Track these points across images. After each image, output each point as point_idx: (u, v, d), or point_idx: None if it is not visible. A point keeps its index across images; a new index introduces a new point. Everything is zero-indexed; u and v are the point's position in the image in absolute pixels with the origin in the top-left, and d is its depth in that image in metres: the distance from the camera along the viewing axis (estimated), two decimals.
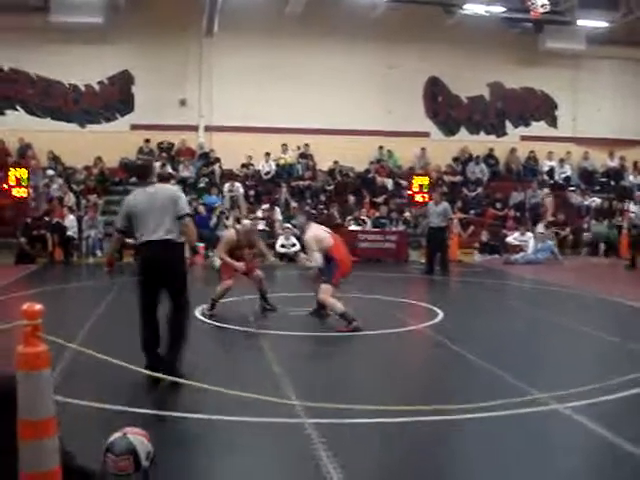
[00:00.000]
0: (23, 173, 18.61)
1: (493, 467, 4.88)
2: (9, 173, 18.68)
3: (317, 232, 9.96)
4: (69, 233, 18.09)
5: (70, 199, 19.59)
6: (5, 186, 18.60)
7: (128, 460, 3.23)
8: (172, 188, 7.23)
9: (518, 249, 19.47)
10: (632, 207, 19.89)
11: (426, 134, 24.30)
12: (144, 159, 7.27)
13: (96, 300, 11.69)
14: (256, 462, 5.00)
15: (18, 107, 22.31)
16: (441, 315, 10.59)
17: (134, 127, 22.61)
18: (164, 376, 5.50)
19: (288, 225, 19.16)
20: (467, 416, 5.63)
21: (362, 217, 20.18)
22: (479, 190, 23.01)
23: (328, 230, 10.31)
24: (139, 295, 6.83)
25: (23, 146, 21.73)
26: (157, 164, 21.29)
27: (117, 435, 3.30)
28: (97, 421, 5.52)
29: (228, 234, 11.15)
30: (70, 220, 18.37)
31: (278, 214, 20.19)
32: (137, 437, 3.31)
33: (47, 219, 18.29)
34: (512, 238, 19.83)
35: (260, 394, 4.75)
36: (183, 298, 6.88)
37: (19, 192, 18.45)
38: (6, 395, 2.97)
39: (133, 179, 21.48)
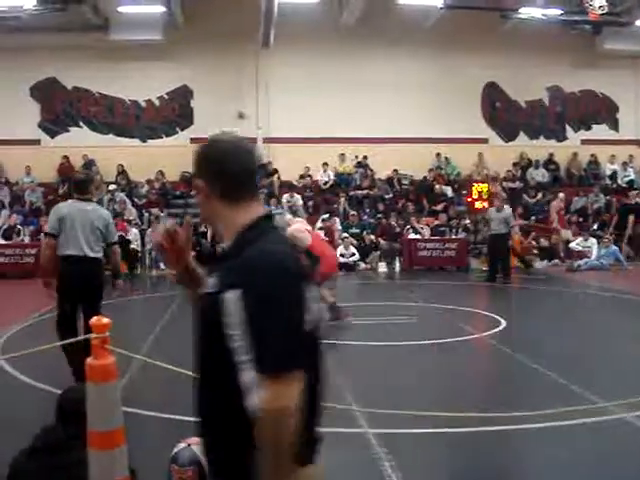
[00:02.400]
0: None
1: (556, 478, 4.81)
2: None
3: (295, 229, 10.01)
4: (132, 246, 18.43)
5: (131, 213, 19.94)
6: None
7: (192, 471, 3.27)
8: (106, 212, 7.51)
9: (581, 255, 19.11)
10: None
11: (484, 140, 24.07)
12: (85, 173, 7.38)
13: (159, 311, 11.88)
14: None
15: (82, 124, 22.87)
16: (503, 323, 10.47)
17: (194, 140, 22.89)
18: None
19: (347, 235, 19.18)
20: (531, 425, 5.56)
21: (421, 226, 20.04)
22: (539, 196, 22.67)
23: (308, 228, 10.51)
24: (61, 304, 6.93)
25: (87, 162, 22.22)
26: None
27: (181, 446, 3.34)
28: (162, 431, 5.61)
29: None
30: (133, 233, 18.72)
31: (337, 224, 20.22)
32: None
33: None
34: (575, 244, 19.50)
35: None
36: (98, 310, 6.84)
37: None
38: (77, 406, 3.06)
39: (194, 192, 22.04)
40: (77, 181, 7.37)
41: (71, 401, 3.27)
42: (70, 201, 7.18)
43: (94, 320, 2.70)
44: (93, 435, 2.74)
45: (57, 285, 6.91)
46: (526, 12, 21.16)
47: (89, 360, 2.69)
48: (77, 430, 3.08)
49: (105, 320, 2.73)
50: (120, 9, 20.40)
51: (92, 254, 6.90)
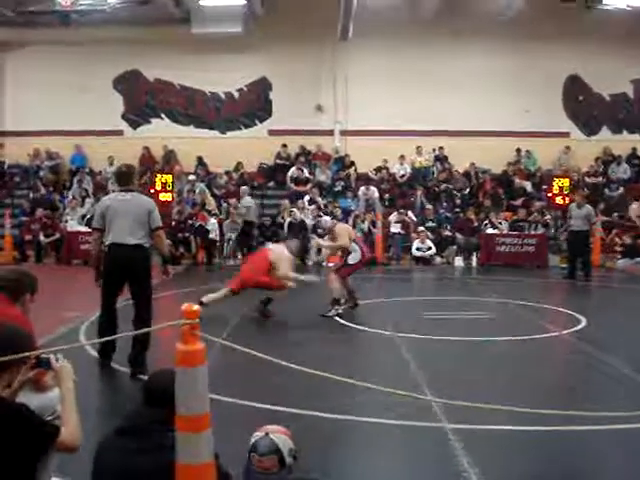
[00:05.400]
0: (168, 179, 19.40)
1: None
2: (156, 179, 19.53)
3: None
4: (211, 236, 18.71)
5: (210, 203, 20.24)
6: (152, 191, 19.44)
7: (273, 459, 3.30)
8: (147, 199, 7.66)
9: None
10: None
11: (566, 134, 23.54)
12: (127, 166, 7.92)
13: (238, 300, 12.01)
14: (396, 466, 5.02)
15: (163, 116, 23.35)
16: (584, 322, 10.26)
17: (272, 132, 23.15)
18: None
19: (423, 228, 19.06)
20: (612, 427, 5.44)
21: (499, 220, 19.72)
22: (621, 191, 22.09)
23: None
24: (104, 289, 7.36)
25: (168, 153, 22.68)
26: (293, 169, 21.84)
27: (259, 435, 3.37)
28: (241, 418, 5.69)
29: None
30: (212, 223, 19.00)
31: (413, 217, 20.13)
32: (279, 436, 3.38)
33: (190, 222, 18.97)
34: None
35: (400, 395, 4.78)
36: (147, 296, 7.37)
37: (165, 196, 19.23)
38: (163, 390, 3.13)
39: (271, 183, 22.30)
40: (119, 173, 7.78)
41: (158, 385, 3.35)
42: (113, 194, 7.61)
43: (185, 307, 2.77)
44: (181, 419, 2.81)
45: (106, 269, 7.34)
46: (610, 2, 20.60)
47: (179, 345, 2.76)
48: (163, 414, 3.15)
49: (195, 307, 2.79)
50: (202, 2, 20.68)
51: (134, 241, 7.18)
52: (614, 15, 20.93)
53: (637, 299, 13.96)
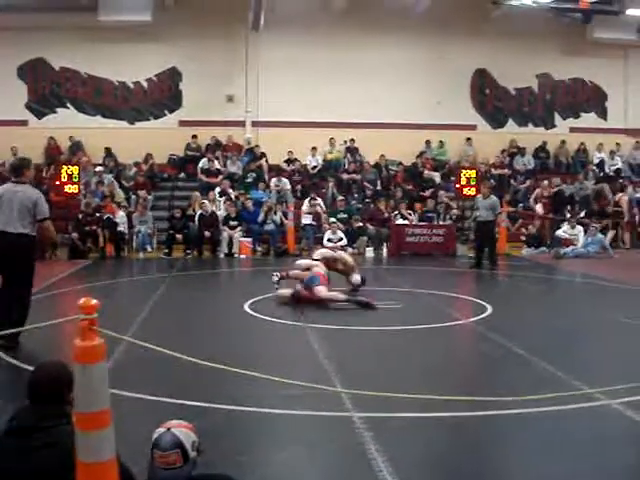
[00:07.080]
0: (74, 170, 18.87)
1: (541, 462, 4.85)
2: (61, 170, 18.97)
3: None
4: (120, 228, 18.36)
5: (119, 195, 19.87)
6: (57, 183, 18.91)
7: (176, 454, 3.25)
8: (34, 191, 8.18)
9: (568, 243, 19.19)
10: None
11: (473, 127, 24.09)
12: (20, 159, 8.75)
13: (147, 294, 11.86)
14: (305, 455, 5.03)
15: (69, 105, 22.75)
16: (490, 309, 10.51)
17: (182, 123, 22.88)
18: None
19: (334, 220, 19.18)
20: (516, 411, 5.60)
21: (408, 211, 20.06)
22: (528, 183, 22.75)
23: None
24: None
25: (74, 143, 22.12)
26: (204, 160, 21.63)
27: (161, 431, 3.31)
28: (147, 413, 5.61)
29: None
30: (120, 216, 18.65)
31: (324, 209, 20.23)
32: (181, 430, 3.33)
33: (98, 215, 18.56)
34: (562, 232, 19.57)
35: (309, 387, 4.78)
36: (28, 282, 7.98)
37: (70, 189, 18.72)
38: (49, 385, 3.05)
39: (182, 175, 22.03)
40: (12, 165, 8.49)
41: (42, 380, 3.24)
42: (6, 184, 8.13)
43: (82, 301, 2.70)
44: (81, 417, 2.74)
45: None
46: None
47: (76, 341, 2.69)
48: (51, 409, 3.07)
49: (94, 301, 2.72)
50: None
51: (21, 230, 7.74)
52: (521, 11, 21.49)
53: (540, 287, 14.41)
